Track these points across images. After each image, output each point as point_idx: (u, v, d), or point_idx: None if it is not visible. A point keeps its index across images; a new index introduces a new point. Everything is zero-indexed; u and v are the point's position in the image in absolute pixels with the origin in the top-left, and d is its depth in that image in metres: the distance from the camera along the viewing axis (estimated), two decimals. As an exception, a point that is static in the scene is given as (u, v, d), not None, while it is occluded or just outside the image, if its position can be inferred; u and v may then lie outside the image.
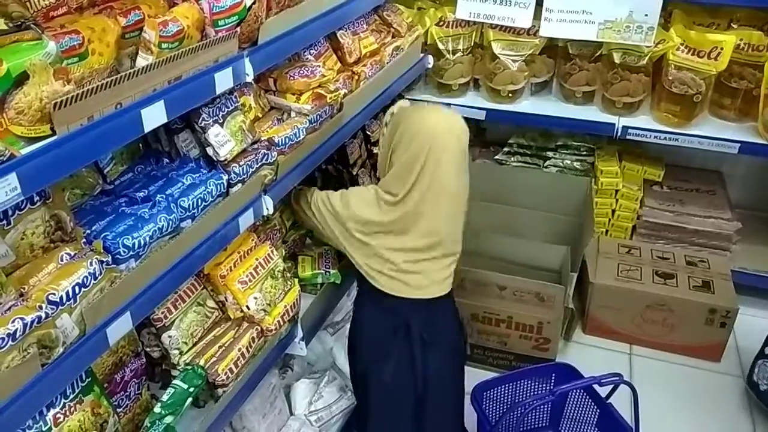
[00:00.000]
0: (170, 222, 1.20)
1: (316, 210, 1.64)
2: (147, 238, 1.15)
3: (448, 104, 2.77)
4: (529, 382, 2.07)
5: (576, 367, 2.03)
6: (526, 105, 2.79)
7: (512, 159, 3.05)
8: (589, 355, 2.52)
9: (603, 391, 1.93)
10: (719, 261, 2.61)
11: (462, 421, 1.85)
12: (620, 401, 1.90)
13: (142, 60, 1.15)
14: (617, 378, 1.79)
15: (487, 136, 3.31)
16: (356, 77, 1.90)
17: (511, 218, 2.83)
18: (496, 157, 3.08)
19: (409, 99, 2.77)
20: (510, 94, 2.77)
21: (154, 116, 1.12)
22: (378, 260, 1.53)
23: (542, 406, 2.13)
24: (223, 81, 1.28)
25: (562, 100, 2.80)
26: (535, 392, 2.07)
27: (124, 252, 1.12)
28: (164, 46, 1.14)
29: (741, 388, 2.37)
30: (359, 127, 2.07)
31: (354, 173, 2.28)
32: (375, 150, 2.38)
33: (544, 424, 2.16)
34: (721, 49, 2.41)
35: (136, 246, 1.13)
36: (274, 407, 1.86)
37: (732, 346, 2.55)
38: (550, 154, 2.98)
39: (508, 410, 1.84)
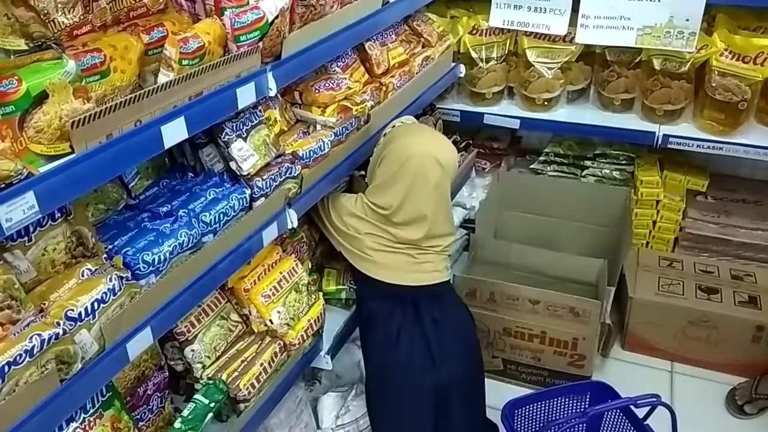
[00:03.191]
0: (191, 237, 1.21)
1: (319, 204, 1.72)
2: (167, 254, 1.16)
3: (482, 113, 2.74)
4: (563, 400, 2.00)
5: (614, 384, 1.95)
6: (563, 113, 2.72)
7: (549, 168, 2.98)
8: (628, 372, 2.42)
9: (641, 412, 1.85)
10: (767, 275, 2.48)
11: (484, 406, 1.86)
12: (660, 422, 1.81)
13: (164, 77, 1.15)
14: (655, 399, 1.71)
15: (522, 144, 3.25)
16: (384, 88, 1.88)
17: (547, 229, 2.77)
18: (532, 166, 3.01)
19: (440, 108, 2.75)
20: (545, 102, 2.71)
21: (175, 132, 1.13)
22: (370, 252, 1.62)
23: (577, 427, 2.06)
24: (246, 96, 1.28)
25: (600, 108, 2.71)
26: (569, 411, 2.00)
27: (144, 268, 1.13)
28: (185, 62, 1.15)
29: (792, 411, 2.24)
30: (387, 138, 2.05)
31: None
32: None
33: (580, 445, 2.09)
34: (768, 54, 2.30)
35: (157, 261, 1.14)
36: (301, 420, 1.85)
37: (782, 366, 2.42)
38: (588, 163, 2.90)
39: (539, 430, 1.78)
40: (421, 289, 1.61)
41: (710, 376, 2.40)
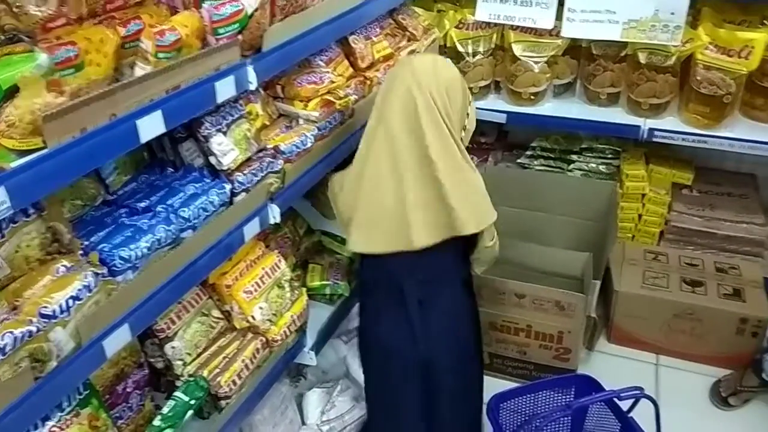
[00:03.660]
0: (170, 233, 1.19)
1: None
2: (145, 250, 1.14)
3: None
4: (548, 393, 2.01)
5: (600, 377, 1.95)
6: (549, 107, 2.72)
7: (535, 162, 2.98)
8: (613, 365, 2.44)
9: (625, 404, 1.86)
10: (751, 268, 2.50)
11: (478, 402, 1.81)
12: (644, 414, 1.82)
13: (140, 70, 1.14)
14: (638, 392, 1.72)
15: (509, 139, 3.25)
16: (369, 83, 1.87)
17: (534, 224, 2.77)
18: (519, 160, 3.01)
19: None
20: (532, 97, 2.71)
21: (152, 127, 1.11)
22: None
23: (562, 419, 2.06)
24: (225, 89, 1.26)
25: (586, 102, 2.71)
26: (555, 404, 2.01)
27: (121, 264, 1.11)
28: (161, 55, 1.13)
29: (774, 402, 2.26)
30: (372, 132, 2.03)
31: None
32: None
33: (565, 437, 2.09)
34: (752, 47, 2.30)
35: (134, 258, 1.12)
36: (285, 417, 1.84)
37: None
38: (574, 157, 2.90)
39: (523, 423, 1.79)
40: (407, 258, 1.52)
41: (695, 368, 2.42)
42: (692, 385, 2.35)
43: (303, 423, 1.94)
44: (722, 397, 2.28)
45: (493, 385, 2.01)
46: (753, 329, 2.30)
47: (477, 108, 2.70)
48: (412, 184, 1.45)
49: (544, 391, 2.00)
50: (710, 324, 2.34)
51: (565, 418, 2.06)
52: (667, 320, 2.39)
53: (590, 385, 1.94)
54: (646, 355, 2.48)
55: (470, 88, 2.68)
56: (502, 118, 2.73)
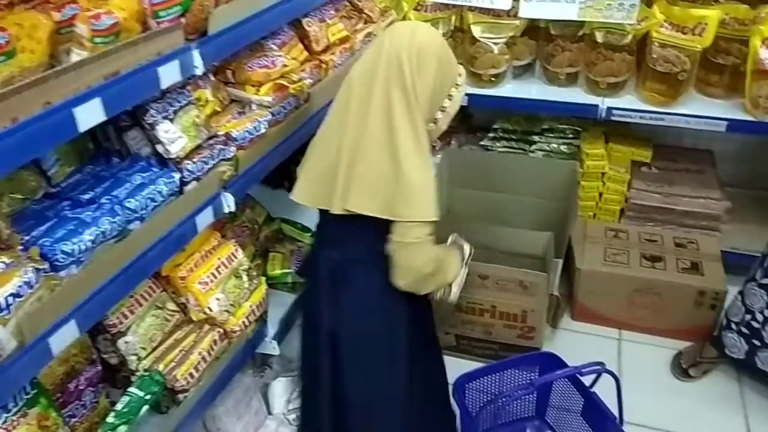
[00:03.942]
0: (115, 225, 1.15)
1: None
2: (89, 243, 1.10)
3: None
4: (513, 372, 2.03)
5: (565, 354, 1.97)
6: (509, 89, 2.72)
7: (498, 144, 2.99)
8: (577, 342, 2.47)
9: (588, 380, 1.89)
10: (709, 242, 2.55)
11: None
12: (608, 387, 1.84)
13: (76, 56, 1.09)
14: (598, 367, 1.74)
15: (473, 121, 3.25)
16: (324, 66, 1.84)
17: (497, 205, 2.78)
18: (482, 143, 3.02)
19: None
20: (492, 78, 2.71)
21: (90, 115, 1.07)
22: None
23: (528, 397, 2.09)
24: (169, 75, 1.22)
25: (546, 83, 2.72)
26: (520, 383, 2.03)
27: (64, 258, 1.07)
28: (97, 40, 1.09)
29: (732, 370, 2.32)
30: (330, 117, 2.00)
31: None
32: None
33: (530, 414, 2.12)
34: (706, 24, 2.33)
35: (77, 252, 1.09)
36: (250, 408, 1.82)
37: (724, 329, 2.50)
38: (536, 138, 2.91)
39: (487, 403, 1.80)
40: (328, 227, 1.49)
41: (656, 342, 2.47)
42: (654, 359, 2.40)
43: (269, 413, 1.92)
44: (683, 368, 2.33)
45: (460, 367, 2.03)
46: (711, 302, 2.36)
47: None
48: (349, 143, 1.37)
49: (509, 370, 2.02)
50: (670, 298, 2.39)
51: (531, 396, 2.09)
52: (629, 296, 2.43)
53: (554, 362, 1.96)
54: (609, 330, 2.52)
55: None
56: (463, 101, 2.71)
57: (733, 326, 2.16)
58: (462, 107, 3.02)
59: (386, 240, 1.39)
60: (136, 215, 1.20)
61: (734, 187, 2.82)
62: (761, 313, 2.07)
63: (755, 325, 2.09)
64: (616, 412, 1.81)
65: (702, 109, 2.45)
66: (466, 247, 1.77)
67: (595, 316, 2.52)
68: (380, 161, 1.34)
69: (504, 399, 1.73)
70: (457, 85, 1.46)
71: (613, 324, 2.52)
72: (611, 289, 2.44)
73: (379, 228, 1.37)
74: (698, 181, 2.71)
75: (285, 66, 1.59)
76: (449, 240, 1.74)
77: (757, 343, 2.10)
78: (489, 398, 2.01)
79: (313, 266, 1.50)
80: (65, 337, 1.09)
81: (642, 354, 2.42)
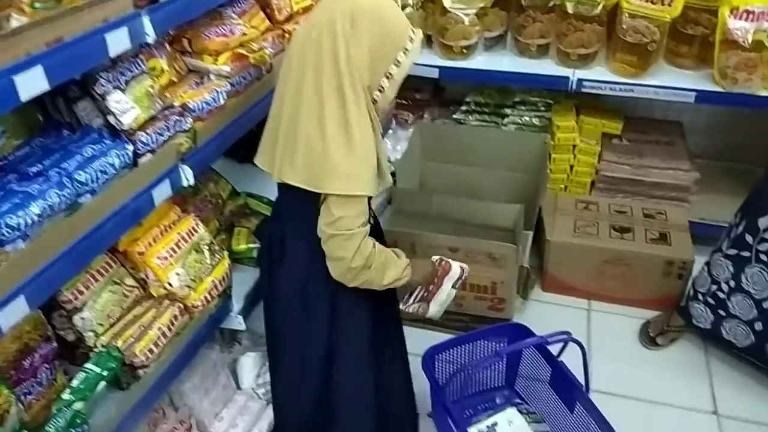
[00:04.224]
0: (64, 198, 1.12)
1: None
2: (36, 217, 1.07)
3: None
4: (483, 343, 2.04)
5: (535, 324, 1.99)
6: (481, 61, 2.70)
7: (471, 118, 2.98)
8: (548, 312, 2.50)
9: (556, 349, 1.91)
10: (677, 212, 2.58)
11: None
12: (575, 356, 1.86)
13: (15, 22, 1.04)
14: (565, 336, 1.76)
15: (445, 95, 3.22)
16: (287, 36, 1.79)
17: (470, 179, 2.78)
18: (454, 116, 3.00)
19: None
20: (463, 50, 2.68)
21: (32, 83, 1.02)
22: None
23: (497, 367, 2.11)
24: (118, 42, 1.18)
25: (517, 55, 2.71)
26: (489, 353, 2.04)
27: (9, 232, 1.04)
28: (37, 5, 1.04)
29: (698, 339, 2.36)
30: (295, 89, 1.97)
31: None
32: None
33: (500, 384, 2.15)
34: (675, -7, 2.33)
35: (23, 225, 1.05)
36: (218, 383, 1.81)
37: (691, 298, 2.54)
38: (508, 111, 2.91)
39: (454, 373, 1.81)
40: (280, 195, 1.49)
41: (625, 311, 2.50)
42: (622, 328, 2.44)
43: (238, 388, 1.91)
44: (650, 337, 2.37)
45: (431, 339, 2.03)
46: (678, 271, 2.39)
47: (408, 63, 2.69)
48: (287, 113, 1.34)
49: (479, 341, 2.04)
50: (638, 268, 2.41)
51: (500, 366, 2.11)
52: (598, 267, 2.45)
53: (522, 332, 1.97)
54: (579, 301, 2.55)
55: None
56: (434, 73, 2.69)
57: (700, 297, 2.20)
58: (434, 80, 3.04)
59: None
60: (86, 188, 1.17)
61: (704, 159, 2.85)
62: (726, 283, 2.10)
63: (721, 295, 2.12)
64: (583, 381, 1.83)
65: (671, 80, 2.46)
66: (456, 268, 1.68)
67: (565, 287, 2.54)
68: (309, 133, 1.30)
69: (471, 368, 1.75)
70: (406, 49, 1.31)
71: (583, 295, 2.54)
72: (581, 260, 2.46)
73: (319, 204, 1.35)
74: (668, 152, 2.73)
75: (244, 35, 1.55)
76: (433, 258, 1.68)
77: (722, 313, 2.13)
78: (458, 369, 2.02)
79: (260, 237, 1.50)
80: (14, 313, 1.06)
81: (611, 324, 2.46)
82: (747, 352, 2.15)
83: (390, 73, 1.32)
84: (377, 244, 1.41)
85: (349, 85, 1.28)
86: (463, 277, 1.69)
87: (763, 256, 1.97)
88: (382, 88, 1.33)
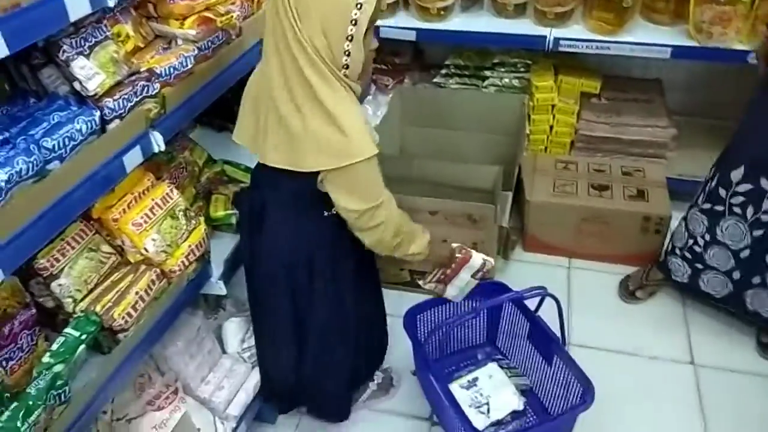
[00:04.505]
0: (31, 165, 1.12)
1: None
2: (2, 183, 1.07)
3: (377, 26, 2.66)
4: (463, 302, 2.07)
5: (517, 284, 2.00)
6: (458, 22, 2.69)
7: (451, 81, 2.97)
8: (529, 272, 2.54)
9: (533, 305, 1.94)
10: (655, 169, 2.61)
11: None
12: (555, 311, 1.89)
13: (-31, -14, 1.03)
14: (540, 290, 1.79)
15: (425, 59, 3.21)
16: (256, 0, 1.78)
17: (451, 142, 2.79)
18: (435, 80, 2.99)
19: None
20: (440, 12, 2.66)
21: (-9, 49, 1.02)
22: None
23: (478, 324, 2.15)
24: (78, 6, 1.17)
25: (495, 15, 2.70)
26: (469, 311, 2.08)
27: (-23, 199, 1.05)
28: (-8, -31, 1.03)
29: (676, 293, 2.41)
30: (267, 54, 1.95)
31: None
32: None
33: (482, 341, 2.19)
34: (649, -53, 2.31)
35: (-9, 192, 1.06)
36: (202, 347, 1.84)
37: (670, 253, 2.59)
38: (487, 73, 2.90)
39: (433, 330, 1.85)
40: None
41: (605, 268, 2.54)
42: (602, 284, 2.48)
43: (224, 352, 1.95)
44: (630, 291, 2.41)
45: (415, 302, 2.06)
46: (656, 227, 2.43)
47: (387, 26, 2.67)
48: (266, 93, 1.36)
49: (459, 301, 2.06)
50: (616, 225, 2.45)
51: (481, 324, 2.15)
52: (577, 225, 2.48)
53: (501, 291, 2.00)
54: (560, 260, 2.59)
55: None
56: (411, 36, 2.68)
57: (677, 251, 2.23)
58: (414, 44, 3.02)
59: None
60: (54, 155, 1.17)
61: (682, 116, 2.87)
62: (702, 237, 2.13)
63: (697, 249, 2.16)
64: (560, 335, 1.87)
65: (647, 37, 2.46)
66: (478, 259, 1.73)
67: (545, 246, 2.57)
68: (288, 114, 1.32)
69: (448, 325, 1.78)
70: (359, 3, 1.24)
71: (563, 253, 2.58)
72: (560, 219, 2.49)
73: (299, 174, 1.38)
74: (646, 110, 2.74)
75: (211, -1, 1.53)
76: (453, 245, 1.73)
77: (699, 266, 2.17)
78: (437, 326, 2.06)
79: (239, 206, 1.53)
80: (-13, 280, 1.08)
81: (591, 280, 2.50)
82: (725, 302, 2.19)
83: (350, 35, 1.27)
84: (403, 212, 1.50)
85: (307, 63, 1.27)
86: (485, 269, 1.75)
87: (736, 209, 2.00)
88: (348, 51, 1.29)
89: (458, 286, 1.77)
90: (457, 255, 1.72)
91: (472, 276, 1.75)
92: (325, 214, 1.48)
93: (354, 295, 1.69)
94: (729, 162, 2.01)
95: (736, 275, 2.09)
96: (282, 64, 1.30)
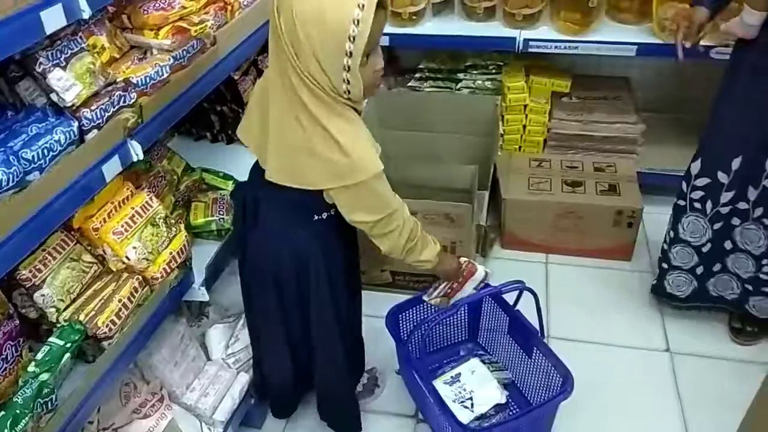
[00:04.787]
0: (11, 176, 1.14)
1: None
2: (-17, 195, 1.09)
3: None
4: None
5: (496, 280, 2.06)
6: (430, 26, 2.74)
7: (425, 84, 3.02)
8: (507, 268, 2.58)
9: (512, 300, 1.99)
10: (626, 164, 2.68)
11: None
12: (532, 305, 1.93)
13: (-55, 1, 1.05)
14: (518, 285, 1.84)
15: (400, 63, 3.26)
16: (230, 8, 1.80)
17: (428, 145, 2.83)
18: (409, 84, 3.04)
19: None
20: (412, 17, 2.71)
21: (-32, 63, 1.04)
22: None
23: (459, 321, 2.19)
24: (53, 19, 1.18)
25: (465, 18, 2.75)
26: (450, 308, 2.12)
27: (-43, 211, 1.06)
28: (-34, -16, 1.05)
29: (650, 283, 2.47)
30: (243, 61, 1.99)
31: (250, 112, 2.21)
32: (272, 87, 2.31)
33: (464, 338, 2.23)
34: (612, -51, 2.39)
35: (-29, 203, 1.07)
36: (187, 355, 1.85)
37: (644, 246, 2.66)
38: (461, 75, 2.96)
39: (414, 328, 1.88)
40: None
41: (581, 262, 2.60)
42: (578, 278, 2.54)
43: (208, 359, 1.96)
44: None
45: (395, 301, 2.10)
46: (628, 219, 2.50)
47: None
48: (272, 113, 1.38)
49: (440, 299, 2.10)
50: (590, 219, 2.51)
51: (462, 320, 2.19)
52: (552, 221, 2.54)
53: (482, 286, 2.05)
54: (537, 256, 2.64)
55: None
56: (385, 41, 2.71)
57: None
58: (388, 49, 3.06)
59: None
60: (33, 165, 1.19)
61: (651, 112, 2.94)
62: (668, 234, 2.19)
63: (664, 247, 2.21)
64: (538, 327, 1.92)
65: (613, 36, 2.54)
66: (481, 271, 1.78)
67: (523, 243, 2.63)
68: (289, 131, 1.35)
69: (428, 322, 1.82)
70: (352, 37, 1.21)
71: (540, 249, 2.64)
72: (536, 215, 2.55)
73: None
74: (616, 107, 2.82)
75: (184, 8, 1.56)
76: (461, 259, 1.76)
77: (665, 266, 2.22)
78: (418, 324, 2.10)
79: (235, 199, 1.57)
80: (-30, 291, 1.09)
81: (568, 275, 2.56)
82: (691, 300, 2.24)
83: (347, 66, 1.24)
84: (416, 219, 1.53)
85: (306, 92, 1.29)
86: (486, 281, 1.80)
87: (696, 204, 2.04)
88: (347, 79, 1.27)
89: (460, 298, 1.81)
90: (464, 268, 1.76)
91: (474, 288, 1.79)
92: (315, 218, 1.50)
93: (345, 298, 1.72)
94: (694, 156, 2.07)
95: (700, 270, 2.15)
96: (284, 86, 1.32)
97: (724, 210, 1.99)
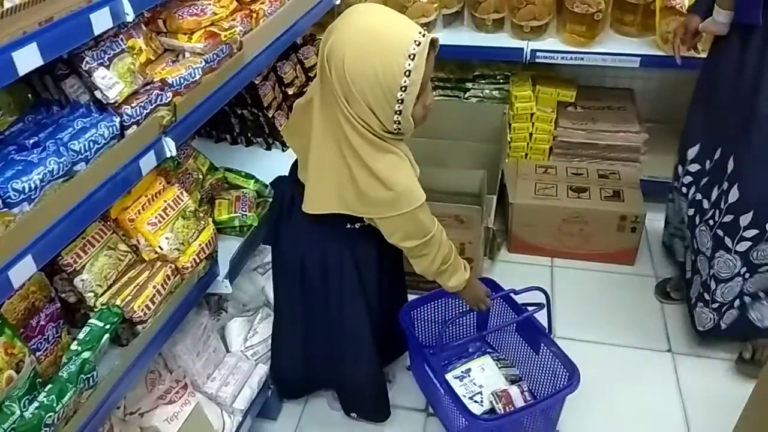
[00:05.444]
0: (61, 165, 1.22)
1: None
2: (38, 182, 1.17)
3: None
4: (455, 299, 2.19)
5: (502, 282, 2.14)
6: (440, 37, 2.80)
7: (435, 93, 3.10)
8: (514, 271, 2.66)
9: (521, 301, 2.06)
10: (629, 172, 2.77)
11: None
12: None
13: (8, 3, 1.14)
14: (532, 286, 1.92)
15: (409, 73, 3.35)
16: (255, 15, 1.90)
17: (437, 150, 2.90)
18: (418, 92, 3.13)
19: (320, 38, 2.77)
20: (423, 28, 2.80)
21: (28, 59, 1.12)
22: None
23: (469, 320, 2.26)
24: (101, 21, 1.28)
25: (474, 30, 2.85)
26: (463, 307, 2.19)
27: (15, 196, 1.14)
28: (28, -13, 1.13)
29: (653, 287, 2.55)
30: (264, 67, 2.08)
31: (270, 116, 2.30)
32: (290, 92, 2.41)
33: (472, 335, 2.30)
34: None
35: (27, 189, 1.15)
36: (208, 346, 1.93)
37: (646, 251, 2.74)
38: (469, 85, 3.05)
39: (427, 325, 1.96)
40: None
41: (585, 266, 2.68)
42: (582, 281, 2.62)
43: (227, 351, 2.03)
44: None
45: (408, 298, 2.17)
46: (632, 225, 2.58)
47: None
48: (315, 129, 1.46)
49: (451, 297, 2.18)
50: (594, 224, 2.59)
51: (472, 319, 2.26)
52: (558, 225, 2.62)
53: (490, 285, 2.12)
54: (543, 259, 2.72)
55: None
56: (396, 51, 2.81)
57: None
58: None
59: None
60: (80, 156, 1.27)
61: (653, 122, 3.03)
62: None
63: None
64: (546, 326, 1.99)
65: (618, 48, 2.63)
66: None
67: (529, 246, 2.71)
68: (331, 161, 1.42)
69: (444, 323, 1.90)
70: (405, 79, 1.25)
71: (546, 253, 2.72)
72: (542, 220, 2.63)
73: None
74: (619, 117, 2.91)
75: (215, 14, 1.65)
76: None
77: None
78: (433, 324, 2.18)
79: (276, 186, 1.73)
80: (24, 271, 1.16)
81: (572, 278, 2.64)
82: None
83: (398, 110, 1.29)
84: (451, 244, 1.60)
85: (354, 133, 1.35)
86: None
87: (683, 189, 2.20)
88: (398, 120, 1.32)
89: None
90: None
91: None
92: (348, 226, 1.59)
93: (377, 298, 1.80)
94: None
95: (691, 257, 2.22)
96: (327, 119, 1.39)
97: (698, 197, 2.13)
